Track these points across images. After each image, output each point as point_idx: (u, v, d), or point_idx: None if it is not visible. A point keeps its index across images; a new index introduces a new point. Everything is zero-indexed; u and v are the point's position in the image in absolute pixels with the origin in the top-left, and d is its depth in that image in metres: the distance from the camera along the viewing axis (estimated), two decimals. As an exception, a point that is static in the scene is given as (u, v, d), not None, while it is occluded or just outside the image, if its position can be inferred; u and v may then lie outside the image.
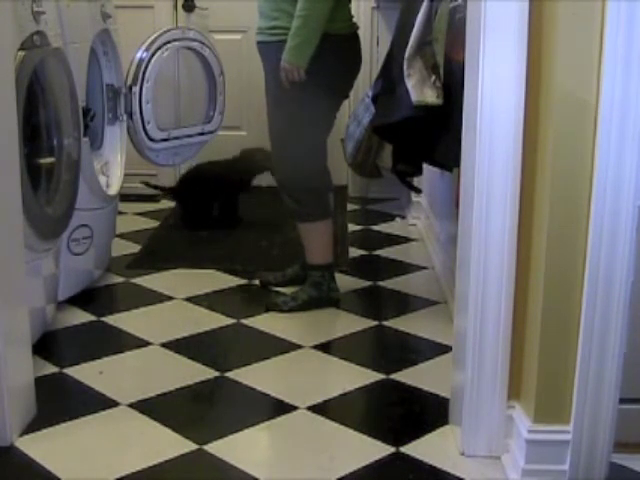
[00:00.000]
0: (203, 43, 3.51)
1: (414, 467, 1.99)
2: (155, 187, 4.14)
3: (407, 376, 2.46)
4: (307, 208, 2.92)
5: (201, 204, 3.96)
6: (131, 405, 2.27)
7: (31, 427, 2.14)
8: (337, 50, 2.80)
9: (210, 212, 3.97)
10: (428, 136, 2.58)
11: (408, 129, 2.63)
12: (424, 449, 2.06)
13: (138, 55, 3.26)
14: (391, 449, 2.06)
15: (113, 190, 3.22)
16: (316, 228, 2.95)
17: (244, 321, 2.87)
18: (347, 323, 2.88)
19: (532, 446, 1.88)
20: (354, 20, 2.92)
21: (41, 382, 2.32)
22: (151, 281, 3.27)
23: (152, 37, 3.33)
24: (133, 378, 2.49)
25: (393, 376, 2.45)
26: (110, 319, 2.89)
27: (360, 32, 2.94)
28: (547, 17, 1.77)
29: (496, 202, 1.87)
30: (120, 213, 3.60)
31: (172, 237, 3.89)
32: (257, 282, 3.22)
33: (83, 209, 2.91)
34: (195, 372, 2.47)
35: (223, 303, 3.08)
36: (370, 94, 3.30)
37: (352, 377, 2.45)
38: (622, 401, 1.85)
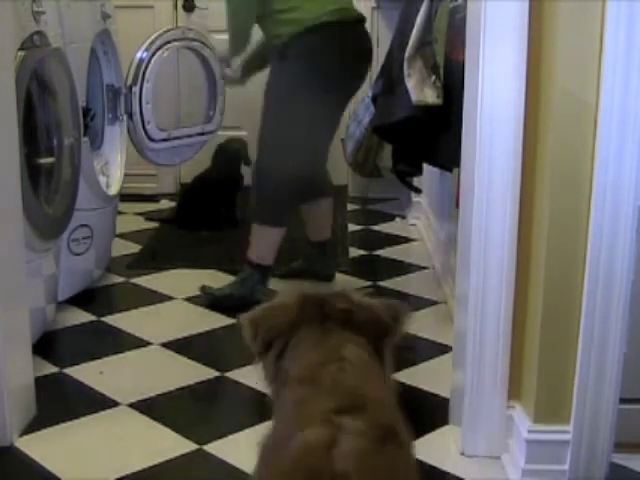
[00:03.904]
0: (203, 43, 3.51)
1: (414, 467, 1.99)
2: (163, 220, 4.13)
3: (407, 376, 2.45)
4: (271, 211, 2.93)
5: (207, 214, 3.95)
6: (131, 405, 2.27)
7: (31, 427, 2.14)
8: (329, 41, 2.79)
9: (216, 215, 3.97)
10: (428, 136, 2.58)
11: (408, 129, 2.63)
12: (424, 449, 2.05)
13: (138, 55, 3.26)
14: (391, 449, 2.05)
15: (113, 190, 3.22)
16: (268, 232, 2.95)
17: (244, 321, 2.87)
18: (347, 323, 2.87)
19: (532, 446, 1.88)
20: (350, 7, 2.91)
21: (41, 382, 2.32)
22: (151, 281, 3.27)
23: (152, 37, 3.32)
24: (133, 378, 2.49)
25: (393, 376, 2.45)
26: (110, 319, 2.89)
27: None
28: (547, 17, 1.77)
29: (496, 202, 1.87)
30: (120, 213, 3.60)
31: (172, 237, 3.89)
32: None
33: (83, 209, 2.91)
34: (195, 372, 2.47)
35: (223, 303, 3.08)
36: (370, 94, 3.30)
37: (352, 377, 2.44)
38: (622, 401, 1.85)
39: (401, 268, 3.47)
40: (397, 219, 4.20)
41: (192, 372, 2.47)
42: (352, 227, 4.07)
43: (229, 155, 3.95)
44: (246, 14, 2.85)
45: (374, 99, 2.92)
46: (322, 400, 1.09)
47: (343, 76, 2.83)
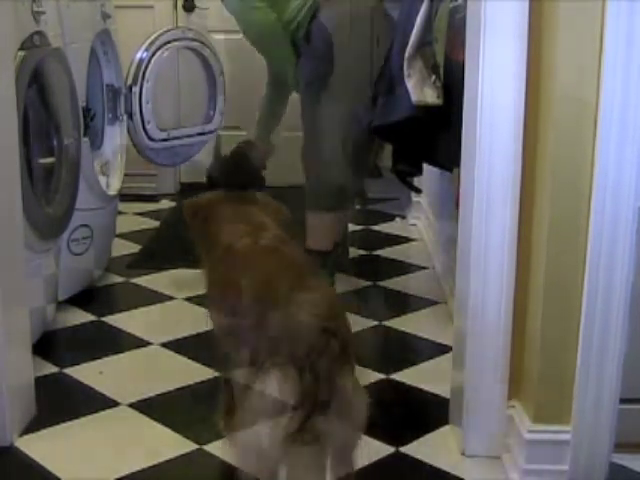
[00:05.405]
0: (203, 43, 3.51)
1: (414, 467, 1.99)
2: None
3: (407, 376, 2.45)
4: (322, 197, 2.96)
5: None
6: (131, 405, 2.27)
7: (31, 427, 2.14)
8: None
9: None
10: (428, 136, 2.58)
11: (408, 129, 2.63)
12: (424, 449, 2.06)
13: (138, 55, 3.26)
14: (391, 449, 2.05)
15: (113, 190, 3.22)
16: (321, 218, 2.97)
17: (244, 321, 2.87)
18: (347, 323, 2.87)
19: (532, 446, 1.88)
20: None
21: (41, 382, 2.32)
22: (151, 281, 3.27)
23: (152, 37, 3.32)
24: (133, 378, 2.49)
25: (393, 376, 2.45)
26: (110, 319, 2.89)
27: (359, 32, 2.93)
28: (547, 17, 1.77)
29: (496, 202, 1.87)
30: (120, 213, 3.60)
31: (172, 237, 3.89)
32: None
33: (83, 209, 2.91)
34: (195, 372, 2.47)
35: (223, 303, 3.07)
36: (370, 94, 3.29)
37: (352, 377, 2.44)
38: (622, 401, 1.85)
39: (401, 268, 3.47)
40: (397, 219, 4.20)
41: (192, 372, 2.47)
42: (352, 227, 4.05)
43: (249, 160, 3.81)
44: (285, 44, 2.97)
45: (374, 99, 2.91)
46: (241, 228, 1.91)
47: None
